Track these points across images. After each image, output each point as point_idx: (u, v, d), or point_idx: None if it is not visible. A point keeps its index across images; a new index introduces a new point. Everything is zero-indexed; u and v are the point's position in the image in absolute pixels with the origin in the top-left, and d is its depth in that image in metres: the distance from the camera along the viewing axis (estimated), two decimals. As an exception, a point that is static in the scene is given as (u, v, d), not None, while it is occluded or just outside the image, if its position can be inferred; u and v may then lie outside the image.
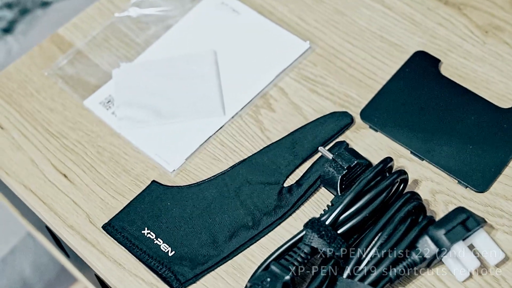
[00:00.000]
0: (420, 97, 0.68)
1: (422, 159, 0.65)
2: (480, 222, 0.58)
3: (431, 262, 0.59)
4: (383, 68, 0.71)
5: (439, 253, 0.57)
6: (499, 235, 0.62)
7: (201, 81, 0.70)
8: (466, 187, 0.64)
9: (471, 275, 0.60)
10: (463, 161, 0.65)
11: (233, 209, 0.63)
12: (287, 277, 0.56)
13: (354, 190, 0.59)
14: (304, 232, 0.58)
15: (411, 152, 0.66)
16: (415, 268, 0.58)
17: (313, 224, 0.58)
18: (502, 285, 0.60)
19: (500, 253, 0.59)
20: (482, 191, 0.64)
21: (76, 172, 0.67)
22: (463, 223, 0.58)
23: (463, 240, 0.59)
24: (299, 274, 0.58)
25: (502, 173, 0.65)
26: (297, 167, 0.66)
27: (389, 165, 0.61)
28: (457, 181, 0.64)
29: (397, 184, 0.61)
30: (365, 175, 0.59)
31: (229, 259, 0.62)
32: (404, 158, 0.66)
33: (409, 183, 0.63)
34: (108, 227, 0.63)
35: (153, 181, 0.66)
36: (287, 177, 0.65)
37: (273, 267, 0.57)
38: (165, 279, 0.61)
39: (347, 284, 0.56)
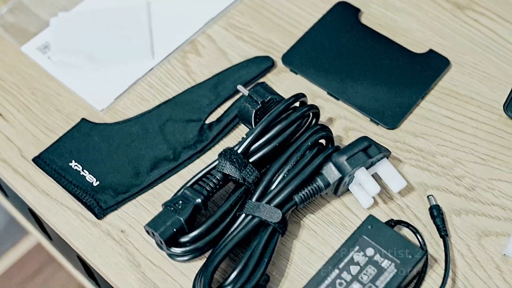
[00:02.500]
0: (339, 43, 0.72)
1: (338, 99, 0.69)
2: (381, 150, 0.62)
3: (337, 189, 0.62)
4: (307, 17, 0.75)
5: (342, 178, 0.60)
6: (407, 168, 0.65)
7: (133, 29, 0.74)
8: (378, 124, 0.68)
9: (376, 203, 0.63)
10: (376, 101, 0.68)
11: (156, 144, 0.67)
12: (198, 200, 0.60)
13: (265, 120, 0.62)
14: (217, 161, 0.62)
15: (328, 93, 0.70)
16: (321, 194, 0.61)
17: (225, 153, 0.61)
18: (407, 213, 0.63)
19: (402, 180, 0.62)
20: (392, 128, 0.67)
21: (10, 111, 0.71)
22: (365, 150, 0.61)
23: (367, 169, 0.62)
24: (211, 198, 0.61)
25: (412, 112, 0.68)
26: (219, 105, 0.69)
27: (301, 99, 0.64)
28: (369, 119, 0.68)
29: (310, 119, 0.64)
30: (276, 107, 0.63)
31: (150, 189, 0.65)
32: (320, 98, 0.70)
33: (324, 121, 0.67)
34: (38, 160, 0.67)
35: (83, 119, 0.69)
36: (209, 115, 0.69)
37: (186, 191, 0.60)
38: (88, 207, 0.64)
39: (255, 205, 0.59)
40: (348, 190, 0.63)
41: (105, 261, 0.62)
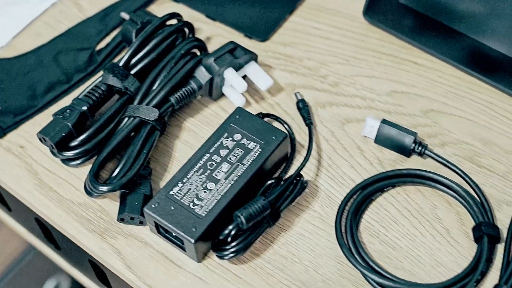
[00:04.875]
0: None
1: (215, 20, 0.76)
2: (247, 52, 0.69)
3: (211, 91, 0.69)
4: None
5: (212, 78, 0.67)
6: (277, 72, 0.73)
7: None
8: (251, 38, 0.75)
9: (250, 103, 0.70)
10: (249, 18, 0.76)
11: (50, 71, 0.73)
12: (84, 108, 0.66)
13: (142, 35, 0.69)
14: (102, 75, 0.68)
15: (206, 16, 0.77)
16: (195, 96, 0.68)
17: (108, 67, 0.68)
18: (277, 109, 0.70)
19: (269, 79, 0.69)
20: (263, 40, 0.75)
21: None
22: (231, 51, 0.68)
23: (237, 71, 0.69)
24: (99, 109, 0.68)
25: (282, 26, 0.76)
26: (107, 34, 0.76)
27: (176, 17, 0.71)
28: (244, 35, 0.75)
29: (186, 35, 0.71)
30: (152, 23, 0.70)
31: (45, 109, 0.72)
32: (200, 22, 0.77)
33: (204, 39, 0.73)
34: None
35: (-18, 56, 0.76)
36: (98, 43, 0.76)
37: (73, 102, 0.67)
38: (-12, 128, 0.70)
39: (135, 108, 0.66)
40: (223, 93, 0.70)
41: (5, 173, 0.68)
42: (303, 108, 0.68)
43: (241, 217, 0.58)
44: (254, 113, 0.67)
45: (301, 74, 0.72)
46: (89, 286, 0.80)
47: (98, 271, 0.74)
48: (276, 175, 0.65)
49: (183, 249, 0.61)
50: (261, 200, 0.59)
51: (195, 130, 0.69)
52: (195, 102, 0.70)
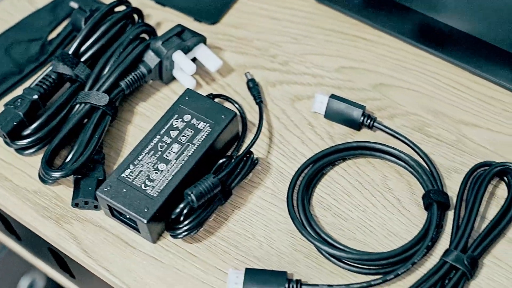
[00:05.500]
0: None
1: (164, 5, 0.77)
2: (195, 34, 0.69)
3: (162, 75, 0.69)
4: None
5: (161, 62, 0.68)
6: (228, 54, 0.73)
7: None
8: (201, 21, 0.75)
9: (201, 85, 0.71)
10: (197, 2, 0.76)
11: (3, 63, 0.73)
12: (35, 96, 0.67)
13: (90, 23, 0.70)
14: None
15: (156, 2, 0.77)
16: (146, 80, 0.69)
17: (58, 55, 0.69)
18: (228, 90, 0.71)
19: (218, 60, 0.70)
20: (213, 23, 0.75)
21: None
22: (179, 34, 0.69)
23: (186, 53, 0.69)
24: (51, 98, 0.68)
25: (231, 8, 0.76)
26: (58, 24, 0.76)
27: (125, 4, 0.72)
28: (193, 19, 0.76)
29: (136, 21, 0.72)
30: (100, 10, 0.70)
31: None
32: (149, 8, 0.77)
33: (154, 25, 0.74)
34: None
35: None
36: (49, 33, 0.76)
37: (24, 91, 0.67)
38: None
39: (86, 94, 0.66)
40: (173, 76, 0.71)
41: (-40, 166, 0.68)
42: (253, 87, 0.69)
43: (191, 195, 0.59)
44: (205, 95, 0.67)
45: (251, 55, 0.73)
46: (54, 276, 0.81)
47: (58, 259, 0.74)
48: (228, 154, 0.65)
49: (137, 230, 0.61)
50: (211, 178, 0.60)
51: (147, 114, 0.69)
52: (147, 86, 0.71)
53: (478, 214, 0.61)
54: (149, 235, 0.60)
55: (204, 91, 0.70)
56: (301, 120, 0.68)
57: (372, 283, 0.58)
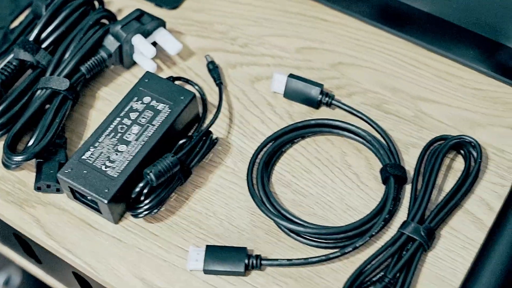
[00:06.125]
0: None
1: (126, -8, 0.77)
2: (154, 18, 0.70)
3: (122, 59, 0.70)
4: None
5: (121, 46, 0.69)
6: (188, 38, 0.74)
7: None
8: (162, 7, 0.76)
9: (162, 69, 0.72)
10: (158, -12, 0.77)
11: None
12: (-3, 83, 0.67)
13: (50, 9, 0.70)
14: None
15: (117, -11, 0.78)
16: (106, 64, 0.69)
17: (19, 42, 0.69)
18: (188, 73, 0.72)
19: (178, 43, 0.71)
20: (174, 8, 0.76)
21: None
22: (138, 18, 0.69)
23: (146, 37, 0.70)
24: (12, 85, 0.69)
25: (192, -7, 0.77)
26: (20, 13, 0.77)
27: (86, -8, 0.72)
28: (154, 4, 0.76)
29: (95, 6, 0.72)
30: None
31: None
32: (111, -6, 0.78)
33: (115, 11, 0.75)
34: None
35: None
36: (12, 22, 0.76)
37: (-14, 78, 0.68)
38: None
39: (47, 79, 0.67)
40: (134, 61, 0.71)
41: None
42: (213, 69, 0.70)
43: (150, 174, 0.59)
44: (165, 77, 0.68)
45: (212, 38, 0.73)
46: (20, 263, 0.81)
47: (24, 244, 0.75)
48: (189, 135, 0.66)
49: (99, 211, 0.62)
50: (169, 157, 0.60)
51: (108, 98, 0.70)
52: (108, 71, 0.71)
53: (435, 187, 0.62)
54: (110, 216, 0.61)
55: (165, 74, 0.71)
56: (260, 100, 0.69)
57: (331, 256, 0.59)
